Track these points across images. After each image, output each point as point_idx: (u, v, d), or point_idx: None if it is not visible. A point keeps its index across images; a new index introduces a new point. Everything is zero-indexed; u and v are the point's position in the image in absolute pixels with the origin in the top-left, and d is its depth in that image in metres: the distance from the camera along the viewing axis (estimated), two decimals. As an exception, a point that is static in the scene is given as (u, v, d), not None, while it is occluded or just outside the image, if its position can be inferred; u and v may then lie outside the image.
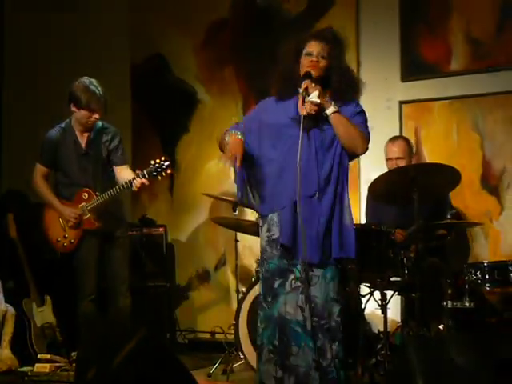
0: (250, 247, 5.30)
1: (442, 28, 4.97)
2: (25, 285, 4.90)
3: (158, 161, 4.02)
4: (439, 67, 4.99)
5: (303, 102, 3.16)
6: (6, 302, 4.72)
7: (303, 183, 3.14)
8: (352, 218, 3.25)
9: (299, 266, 3.18)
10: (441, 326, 4.06)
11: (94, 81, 4.31)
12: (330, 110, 3.19)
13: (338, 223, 3.19)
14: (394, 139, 4.61)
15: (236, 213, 4.75)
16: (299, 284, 3.18)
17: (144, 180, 4.04)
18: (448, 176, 4.01)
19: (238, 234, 4.91)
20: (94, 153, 4.34)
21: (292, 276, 3.20)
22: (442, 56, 4.98)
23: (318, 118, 3.22)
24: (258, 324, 3.28)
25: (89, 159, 4.35)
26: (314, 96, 3.16)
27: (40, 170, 4.42)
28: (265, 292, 3.26)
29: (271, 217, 3.27)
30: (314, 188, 3.18)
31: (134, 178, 4.06)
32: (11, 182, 6.22)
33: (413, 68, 5.04)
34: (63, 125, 4.41)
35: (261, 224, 3.36)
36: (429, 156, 4.93)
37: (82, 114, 4.26)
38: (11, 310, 4.69)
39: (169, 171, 4.03)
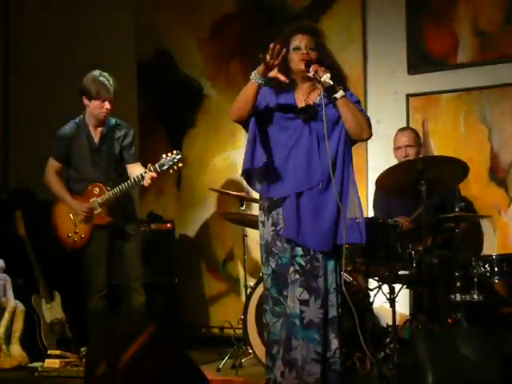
0: (258, 242, 5.23)
1: (448, 20, 4.95)
2: (34, 281, 4.92)
3: (169, 154, 4.01)
4: (446, 59, 4.96)
5: (318, 82, 3.15)
6: (15, 298, 4.74)
7: (307, 173, 3.17)
8: (360, 204, 3.24)
9: (298, 259, 3.18)
10: (450, 320, 4.05)
11: (104, 73, 4.32)
12: (339, 94, 3.16)
13: (346, 210, 3.17)
14: (402, 129, 4.66)
15: (243, 207, 4.75)
16: (298, 277, 3.16)
17: (153, 174, 4.03)
18: (456, 169, 4.00)
19: (246, 228, 4.91)
20: (106, 148, 4.34)
21: (292, 269, 3.19)
22: (448, 48, 4.95)
23: (316, 109, 3.22)
24: (275, 319, 3.24)
25: (101, 155, 4.34)
26: (327, 77, 3.13)
27: (53, 165, 4.40)
28: (280, 286, 3.22)
29: (277, 211, 3.26)
30: (317, 178, 3.18)
31: (145, 172, 4.06)
32: (19, 179, 6.23)
33: (420, 60, 5.02)
34: (77, 120, 4.41)
35: (262, 219, 3.34)
36: (436, 149, 4.92)
37: (93, 105, 4.27)
38: (21, 306, 4.72)
39: (180, 165, 4.01)
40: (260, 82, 3.15)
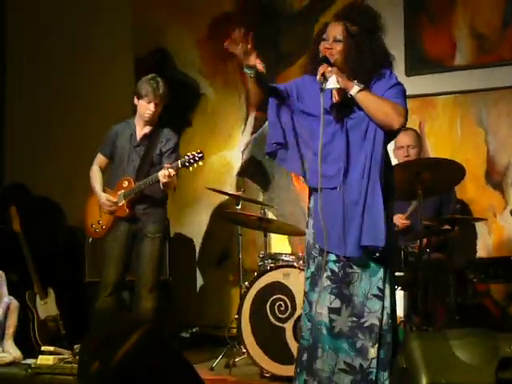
0: (253, 241, 5.30)
1: (446, 22, 4.96)
2: (28, 277, 4.91)
3: (193, 152, 4.17)
4: (443, 62, 4.97)
5: (321, 90, 2.91)
6: (9, 294, 4.73)
7: (332, 172, 2.97)
8: (381, 204, 2.94)
9: (331, 264, 2.99)
10: (444, 322, 4.06)
11: (158, 78, 4.46)
12: (353, 91, 2.92)
13: (370, 212, 2.93)
14: (404, 130, 4.63)
15: (239, 207, 4.75)
16: (329, 283, 2.99)
17: (166, 172, 4.12)
18: (452, 171, 4.00)
19: (241, 228, 4.90)
20: (145, 148, 4.44)
21: (325, 274, 2.99)
22: (446, 50, 4.96)
23: (350, 105, 2.97)
24: (309, 325, 3.04)
25: (139, 152, 4.44)
26: (332, 82, 2.90)
27: (98, 159, 4.59)
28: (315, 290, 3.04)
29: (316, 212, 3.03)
30: (338, 180, 2.96)
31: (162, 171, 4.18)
32: (14, 174, 6.22)
33: (417, 62, 5.02)
34: (129, 119, 4.57)
35: (307, 219, 3.15)
36: (433, 151, 4.93)
37: (140, 104, 4.43)
38: (15, 302, 4.70)
39: (200, 163, 4.18)
40: (249, 73, 2.97)
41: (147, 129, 4.47)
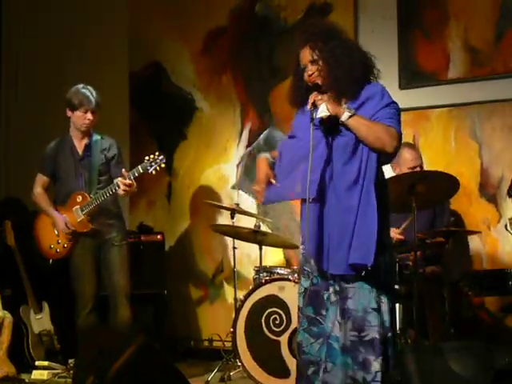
0: (247, 254, 5.30)
1: (439, 36, 4.98)
2: (22, 292, 4.89)
3: (152, 156, 4.09)
4: (437, 75, 4.99)
5: (311, 120, 2.88)
6: (3, 308, 4.71)
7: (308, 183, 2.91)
8: (375, 222, 2.89)
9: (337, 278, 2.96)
10: (439, 335, 4.06)
11: (88, 86, 4.40)
12: (344, 117, 2.90)
13: (363, 228, 2.89)
14: (411, 147, 4.57)
15: (234, 220, 4.75)
16: (336, 298, 2.97)
17: (127, 181, 4.06)
18: (446, 184, 4.02)
19: (236, 241, 4.90)
20: (90, 159, 4.38)
21: (331, 289, 2.98)
22: (439, 64, 4.98)
23: (337, 123, 2.93)
24: (312, 340, 3.00)
25: (85, 165, 4.38)
26: (322, 111, 2.88)
27: (40, 180, 4.49)
28: (316, 306, 3.00)
29: (304, 230, 3.00)
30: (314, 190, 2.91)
31: (120, 180, 4.12)
32: (9, 189, 6.21)
33: (411, 76, 5.04)
34: (62, 136, 4.49)
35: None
36: (427, 164, 4.92)
37: (76, 116, 4.34)
38: (9, 316, 4.68)
39: (163, 165, 4.09)
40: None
41: (86, 140, 4.41)
